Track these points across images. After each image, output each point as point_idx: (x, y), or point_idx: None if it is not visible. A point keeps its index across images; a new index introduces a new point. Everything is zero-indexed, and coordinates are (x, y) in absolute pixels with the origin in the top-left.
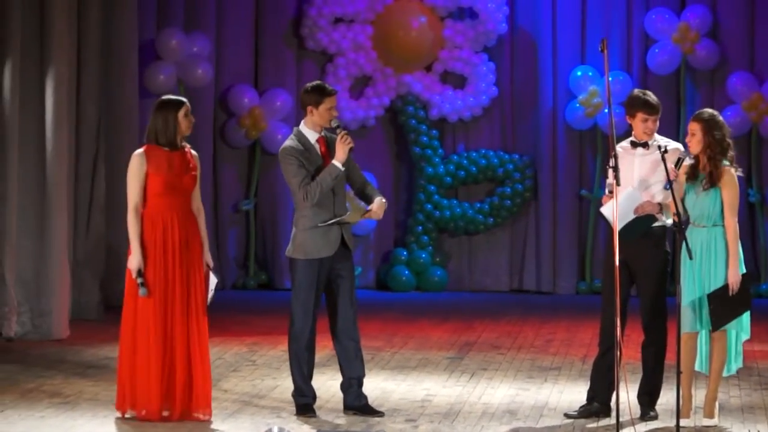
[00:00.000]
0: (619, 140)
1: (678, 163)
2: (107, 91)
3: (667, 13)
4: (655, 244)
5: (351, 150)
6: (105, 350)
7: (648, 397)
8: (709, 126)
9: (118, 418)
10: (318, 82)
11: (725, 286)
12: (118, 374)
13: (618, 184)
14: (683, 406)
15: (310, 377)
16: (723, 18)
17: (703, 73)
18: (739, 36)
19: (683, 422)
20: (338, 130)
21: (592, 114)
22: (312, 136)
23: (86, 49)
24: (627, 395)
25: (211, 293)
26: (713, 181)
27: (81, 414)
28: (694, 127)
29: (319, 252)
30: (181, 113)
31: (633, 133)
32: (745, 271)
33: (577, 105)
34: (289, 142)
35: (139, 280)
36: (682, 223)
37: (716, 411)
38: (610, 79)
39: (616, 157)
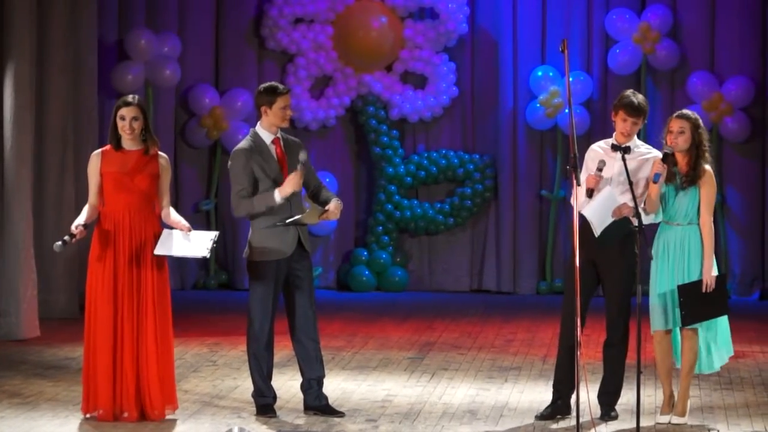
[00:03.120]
0: (579, 140)
1: (665, 158)
2: (72, 92)
3: (628, 13)
4: (624, 244)
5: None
6: (66, 350)
7: (609, 397)
8: (696, 125)
9: (81, 419)
10: (271, 82)
11: (698, 282)
12: (83, 376)
13: (578, 184)
14: (665, 403)
15: (270, 377)
16: (683, 18)
17: (663, 73)
18: (700, 36)
19: (661, 419)
20: (299, 166)
21: (552, 114)
22: (267, 137)
23: (48, 50)
24: (587, 395)
25: (209, 244)
26: (694, 179)
27: (41, 414)
28: (684, 125)
29: (276, 253)
30: (118, 114)
31: (614, 133)
32: (718, 272)
33: (538, 105)
34: (243, 143)
35: (66, 238)
36: (642, 223)
37: (687, 409)
38: (570, 79)
39: (575, 157)
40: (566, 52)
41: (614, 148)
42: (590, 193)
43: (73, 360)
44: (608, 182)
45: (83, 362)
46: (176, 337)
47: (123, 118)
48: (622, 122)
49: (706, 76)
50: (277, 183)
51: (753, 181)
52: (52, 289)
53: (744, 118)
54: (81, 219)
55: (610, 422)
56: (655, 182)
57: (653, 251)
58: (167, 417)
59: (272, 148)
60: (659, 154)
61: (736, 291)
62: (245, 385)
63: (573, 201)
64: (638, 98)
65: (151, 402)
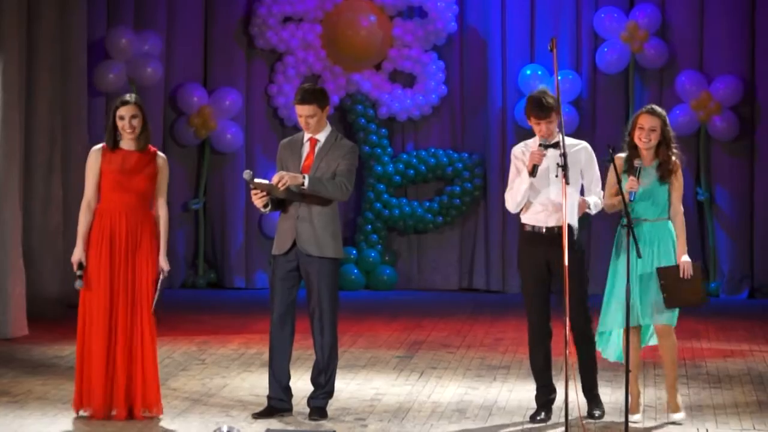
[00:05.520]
0: (569, 138)
1: (638, 172)
2: (60, 90)
3: (616, 12)
4: (574, 242)
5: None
6: (55, 349)
7: (590, 394)
8: (665, 122)
9: (71, 418)
10: (301, 86)
11: (676, 267)
12: (76, 372)
13: (567, 183)
14: (632, 402)
15: (274, 374)
16: (672, 17)
17: (651, 72)
18: (688, 35)
19: (633, 418)
20: (251, 185)
21: None
22: (306, 135)
23: (37, 48)
24: (576, 395)
25: (156, 294)
26: (668, 174)
27: (30, 413)
28: (655, 123)
29: (275, 248)
30: (117, 114)
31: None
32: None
33: None
34: (288, 138)
35: (78, 273)
36: (630, 223)
37: (680, 404)
38: (559, 77)
39: (565, 156)
40: (555, 50)
41: (542, 147)
42: (535, 170)
43: (62, 359)
44: (546, 179)
45: (76, 360)
46: (165, 335)
47: (122, 118)
48: (536, 126)
49: (695, 75)
50: None
51: (741, 180)
52: (41, 288)
53: (732, 117)
54: (80, 247)
55: (598, 421)
56: (632, 201)
57: (615, 249)
58: (154, 416)
59: (305, 146)
60: (585, 145)
61: (724, 290)
62: (234, 384)
63: (509, 201)
64: (545, 98)
65: (144, 401)
